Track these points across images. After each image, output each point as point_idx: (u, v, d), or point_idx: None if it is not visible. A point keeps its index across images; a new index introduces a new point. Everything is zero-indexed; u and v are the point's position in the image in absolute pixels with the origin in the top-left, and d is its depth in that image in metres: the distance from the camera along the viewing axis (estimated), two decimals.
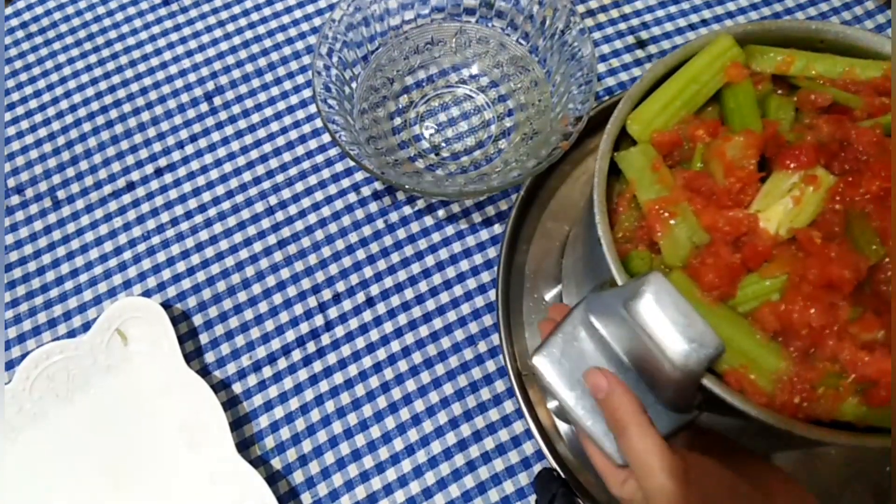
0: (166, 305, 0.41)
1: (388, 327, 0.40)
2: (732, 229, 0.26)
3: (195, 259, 0.42)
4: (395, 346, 0.40)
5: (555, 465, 0.34)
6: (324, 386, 0.39)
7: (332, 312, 0.41)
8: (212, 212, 0.43)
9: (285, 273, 0.41)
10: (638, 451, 0.23)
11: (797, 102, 0.29)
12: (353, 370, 0.39)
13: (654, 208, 0.27)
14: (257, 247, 0.42)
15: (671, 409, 0.25)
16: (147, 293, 0.41)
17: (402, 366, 0.39)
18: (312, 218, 0.43)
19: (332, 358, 0.40)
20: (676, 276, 0.26)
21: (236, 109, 0.45)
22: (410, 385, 0.39)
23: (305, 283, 0.41)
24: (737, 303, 0.25)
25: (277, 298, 0.41)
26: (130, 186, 0.44)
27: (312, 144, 0.44)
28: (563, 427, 0.36)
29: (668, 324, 0.22)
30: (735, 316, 0.25)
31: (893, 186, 0.26)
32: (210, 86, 0.46)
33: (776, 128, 0.27)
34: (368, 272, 0.41)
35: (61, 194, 0.44)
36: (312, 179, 0.44)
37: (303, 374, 0.39)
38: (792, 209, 0.26)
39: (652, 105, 0.29)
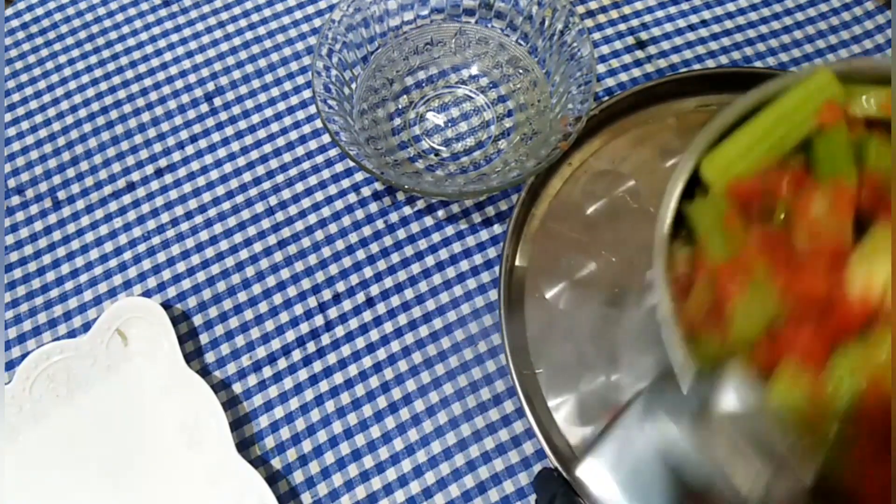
0: (166, 305, 0.41)
1: (388, 327, 0.40)
2: (810, 295, 0.22)
3: (195, 259, 0.42)
4: (395, 346, 0.40)
5: (555, 465, 0.34)
6: (324, 386, 0.39)
7: (332, 312, 0.41)
8: (212, 212, 0.43)
9: (285, 273, 0.41)
10: None
11: None
12: (353, 370, 0.39)
13: (725, 270, 0.23)
14: (257, 247, 0.42)
15: None
16: (147, 293, 0.41)
17: (402, 366, 0.39)
18: (312, 218, 0.43)
19: (332, 358, 0.40)
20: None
21: (236, 110, 0.45)
22: (410, 385, 0.39)
23: (305, 284, 0.41)
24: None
25: (277, 298, 0.41)
26: (131, 187, 0.44)
27: (312, 145, 0.44)
28: (563, 426, 0.36)
29: (736, 455, 0.18)
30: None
31: (894, 185, 0.26)
32: (210, 86, 0.46)
33: (876, 178, 0.23)
34: (368, 272, 0.41)
35: (62, 195, 0.44)
36: (312, 180, 0.44)
37: (303, 374, 0.39)
38: None
39: (732, 147, 0.24)
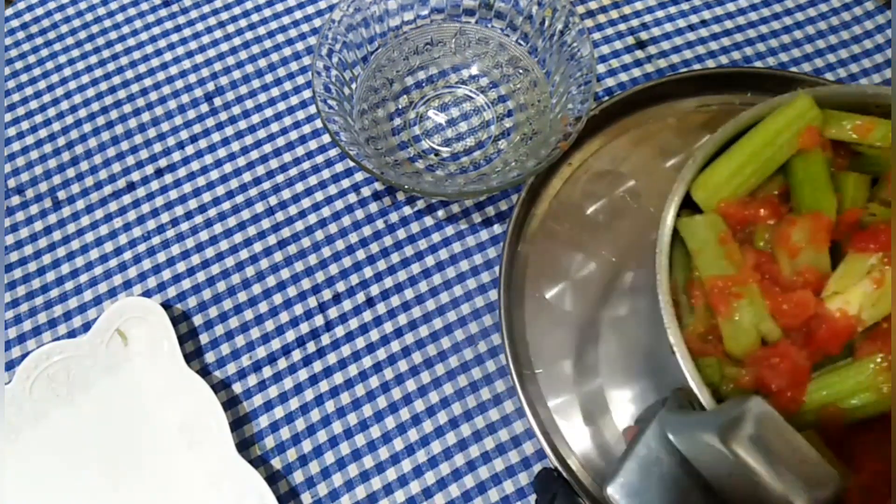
0: (166, 305, 0.41)
1: (388, 327, 0.40)
2: (798, 312, 0.24)
3: (195, 259, 0.42)
4: (395, 346, 0.40)
5: (555, 465, 0.34)
6: (324, 386, 0.39)
7: (332, 312, 0.41)
8: (212, 212, 0.43)
9: (285, 273, 0.41)
10: None
11: (883, 173, 0.26)
12: (353, 370, 0.39)
13: (718, 286, 0.24)
14: (257, 247, 0.42)
15: None
16: (147, 293, 0.41)
17: (402, 366, 0.39)
18: (312, 218, 0.43)
19: (332, 358, 0.40)
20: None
21: (236, 110, 0.45)
22: (410, 385, 0.39)
23: (305, 284, 0.41)
24: (805, 409, 0.23)
25: (277, 298, 0.41)
26: (131, 187, 0.44)
27: (312, 145, 0.44)
28: (563, 426, 0.36)
29: (776, 463, 0.19)
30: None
31: (893, 191, 0.26)
32: (210, 86, 0.46)
33: (857, 215, 0.25)
34: (368, 272, 0.41)
35: (62, 195, 0.44)
36: (312, 180, 0.44)
37: (303, 374, 0.39)
38: (873, 292, 0.23)
39: (721, 170, 0.26)
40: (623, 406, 0.36)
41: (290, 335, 0.40)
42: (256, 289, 0.41)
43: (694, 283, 0.26)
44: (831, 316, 0.24)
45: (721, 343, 0.25)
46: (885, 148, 0.26)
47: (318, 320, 0.40)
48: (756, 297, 0.24)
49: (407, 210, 0.43)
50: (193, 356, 0.40)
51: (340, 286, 0.41)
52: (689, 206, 0.27)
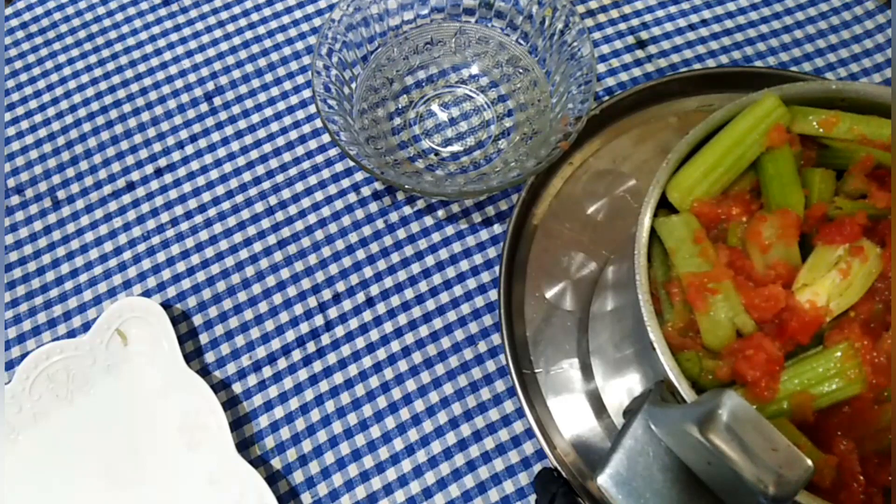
0: (166, 305, 0.41)
1: (388, 327, 0.40)
2: (770, 306, 0.25)
3: (195, 259, 0.42)
4: (395, 346, 0.40)
5: (555, 465, 0.34)
6: (324, 386, 0.39)
7: (332, 312, 0.41)
8: (212, 212, 0.43)
9: (285, 273, 0.41)
10: None
11: (849, 166, 0.27)
12: (353, 370, 0.39)
13: (694, 283, 0.25)
14: (257, 247, 0.42)
15: None
16: (147, 293, 0.41)
17: (402, 366, 0.39)
18: (312, 218, 0.43)
19: (332, 358, 0.40)
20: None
21: (236, 110, 0.45)
22: (410, 385, 0.39)
23: (305, 283, 0.41)
24: (780, 397, 0.24)
25: (277, 298, 0.41)
26: (130, 186, 0.44)
27: (312, 144, 0.44)
28: (563, 426, 0.36)
29: (750, 451, 0.20)
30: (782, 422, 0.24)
31: (894, 188, 0.26)
32: (210, 86, 0.46)
33: (823, 210, 0.26)
34: (368, 272, 0.41)
35: (61, 194, 0.44)
36: (312, 179, 0.44)
37: (303, 374, 0.39)
38: (840, 282, 0.25)
39: (693, 171, 0.27)
40: (622, 404, 0.36)
41: (290, 335, 0.40)
42: (256, 289, 0.41)
43: (672, 280, 0.27)
44: (801, 308, 0.25)
45: (699, 337, 0.26)
46: (850, 140, 0.27)
47: (318, 320, 0.40)
48: (730, 292, 0.25)
49: (407, 210, 0.43)
50: (193, 356, 0.40)
51: (340, 286, 0.41)
52: (666, 206, 0.28)
